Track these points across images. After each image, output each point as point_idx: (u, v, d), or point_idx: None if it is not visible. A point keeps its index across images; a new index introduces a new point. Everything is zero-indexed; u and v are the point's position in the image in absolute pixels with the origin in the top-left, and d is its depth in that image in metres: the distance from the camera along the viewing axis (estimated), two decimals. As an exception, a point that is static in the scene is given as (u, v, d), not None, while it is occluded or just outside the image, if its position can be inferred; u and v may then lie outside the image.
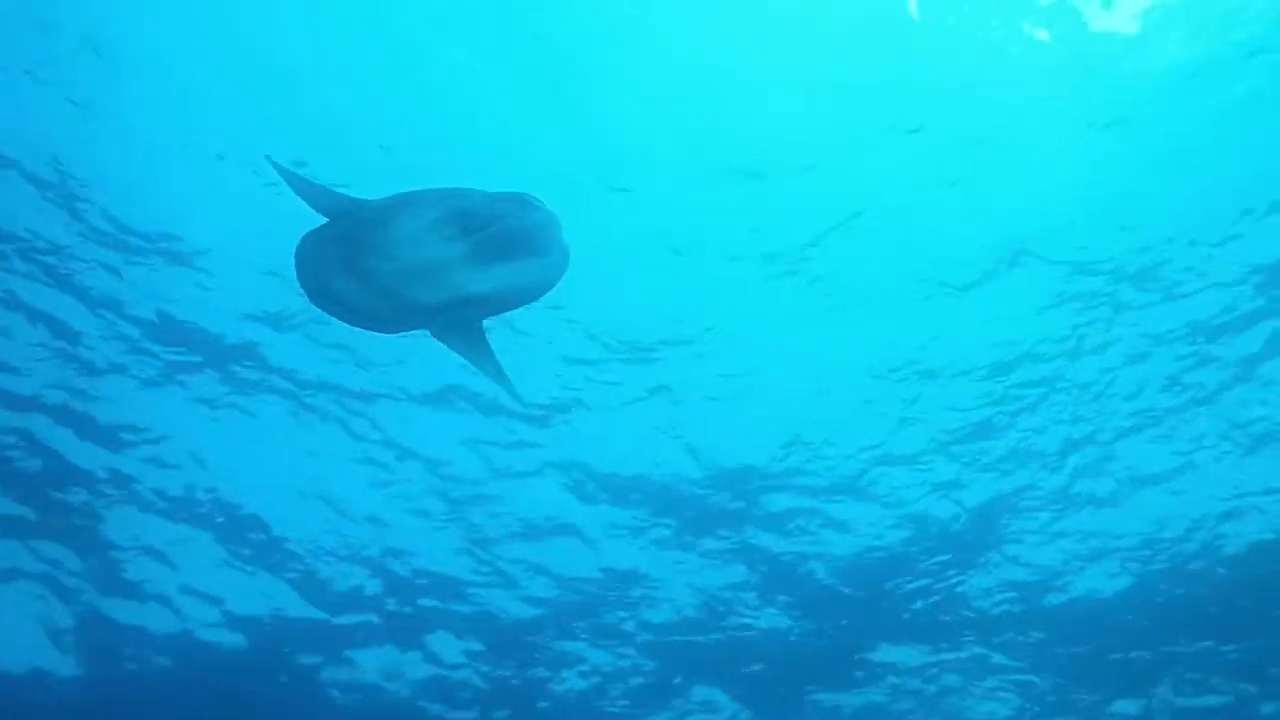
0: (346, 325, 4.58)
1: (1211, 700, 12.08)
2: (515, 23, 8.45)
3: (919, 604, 11.92)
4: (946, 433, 10.77)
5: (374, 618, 11.75)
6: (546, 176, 8.39)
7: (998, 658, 12.24)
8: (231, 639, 11.52)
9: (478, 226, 4.14)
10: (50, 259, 9.27)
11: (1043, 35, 8.47)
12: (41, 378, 9.89)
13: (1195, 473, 10.71)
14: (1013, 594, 11.78)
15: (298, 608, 11.48)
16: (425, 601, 11.67)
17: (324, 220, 4.29)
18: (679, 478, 11.03)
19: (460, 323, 4.43)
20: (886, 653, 12.33)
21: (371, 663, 11.93)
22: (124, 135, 8.72)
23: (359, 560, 11.36)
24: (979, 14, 8.40)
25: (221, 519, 10.91)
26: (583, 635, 11.97)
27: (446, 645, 11.93)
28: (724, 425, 10.80)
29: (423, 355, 9.60)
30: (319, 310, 4.56)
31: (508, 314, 4.64)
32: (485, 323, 4.46)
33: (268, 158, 4.43)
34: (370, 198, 4.24)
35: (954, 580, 11.68)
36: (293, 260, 4.31)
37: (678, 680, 12.36)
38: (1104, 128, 8.98)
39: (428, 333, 4.51)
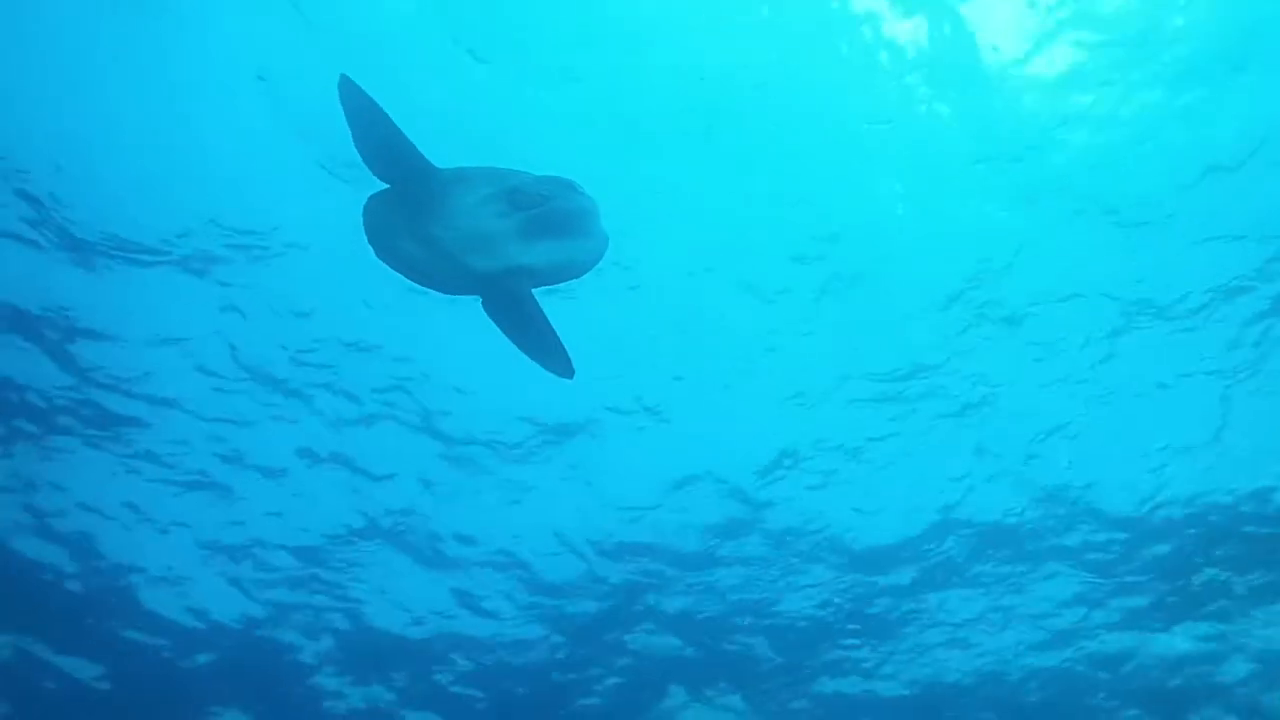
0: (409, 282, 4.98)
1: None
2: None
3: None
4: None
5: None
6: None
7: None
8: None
9: (527, 205, 4.47)
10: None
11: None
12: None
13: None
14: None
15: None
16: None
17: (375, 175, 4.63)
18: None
19: (510, 294, 4.75)
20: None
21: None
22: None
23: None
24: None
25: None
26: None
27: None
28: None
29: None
30: (387, 266, 4.96)
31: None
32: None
33: (344, 76, 4.35)
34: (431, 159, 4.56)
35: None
36: (361, 218, 4.72)
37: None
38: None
39: (479, 301, 4.86)
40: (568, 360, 4.93)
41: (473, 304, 4.94)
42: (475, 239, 4.58)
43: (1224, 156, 8.65)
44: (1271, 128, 8.48)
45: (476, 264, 4.63)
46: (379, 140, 4.46)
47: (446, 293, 5.01)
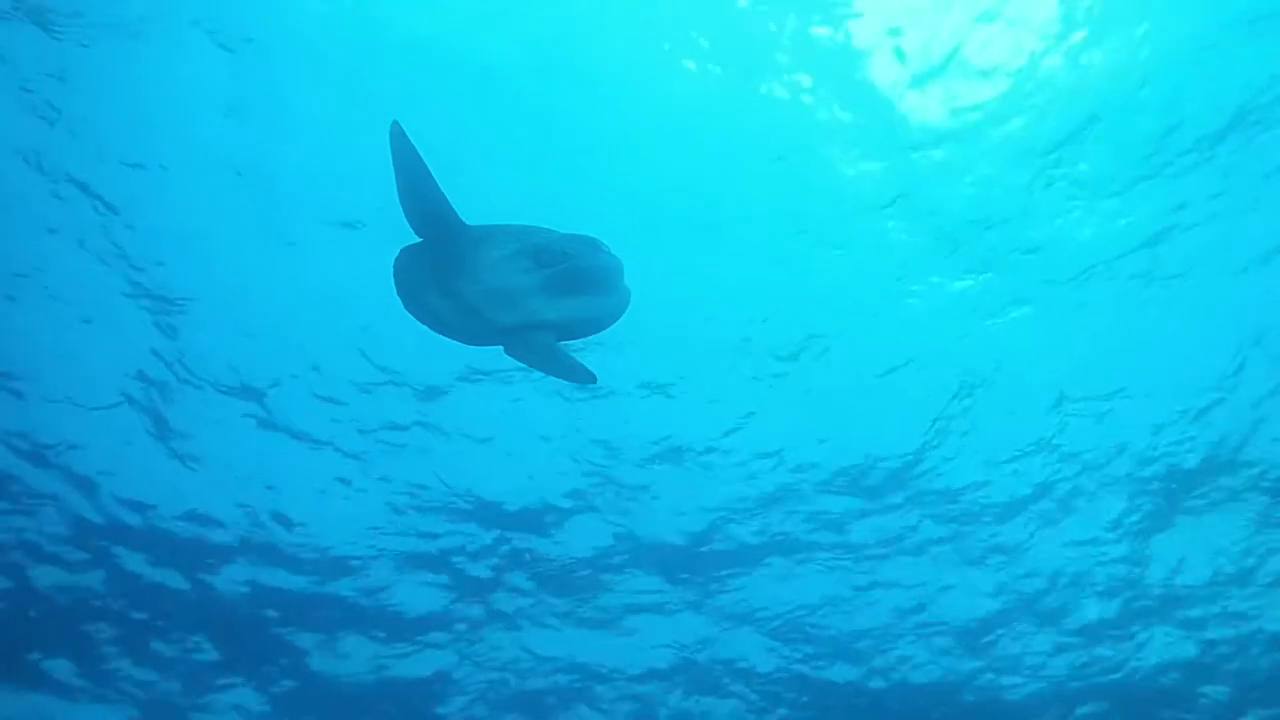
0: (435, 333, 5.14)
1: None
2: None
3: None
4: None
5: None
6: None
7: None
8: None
9: (550, 262, 4.63)
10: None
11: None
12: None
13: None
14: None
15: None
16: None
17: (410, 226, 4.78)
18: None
19: (532, 343, 4.89)
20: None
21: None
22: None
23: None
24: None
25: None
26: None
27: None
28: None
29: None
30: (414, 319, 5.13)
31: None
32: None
33: (396, 123, 4.42)
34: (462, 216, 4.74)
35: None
36: (391, 272, 4.90)
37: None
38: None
39: (502, 349, 5.01)
40: (588, 372, 4.96)
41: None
42: (500, 294, 4.74)
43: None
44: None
45: (500, 318, 4.79)
46: (418, 190, 4.59)
47: (469, 344, 5.16)
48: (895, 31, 8.52)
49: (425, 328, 5.07)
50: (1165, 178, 9.10)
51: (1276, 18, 8.12)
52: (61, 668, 10.81)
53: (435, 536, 11.07)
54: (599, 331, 4.82)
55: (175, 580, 10.79)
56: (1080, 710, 12.16)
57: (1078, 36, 8.37)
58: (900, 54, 8.63)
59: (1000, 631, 11.78)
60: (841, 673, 12.12)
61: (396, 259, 4.89)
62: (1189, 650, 11.61)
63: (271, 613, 11.12)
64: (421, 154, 4.51)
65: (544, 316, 4.73)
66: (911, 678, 12.18)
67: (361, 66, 8.53)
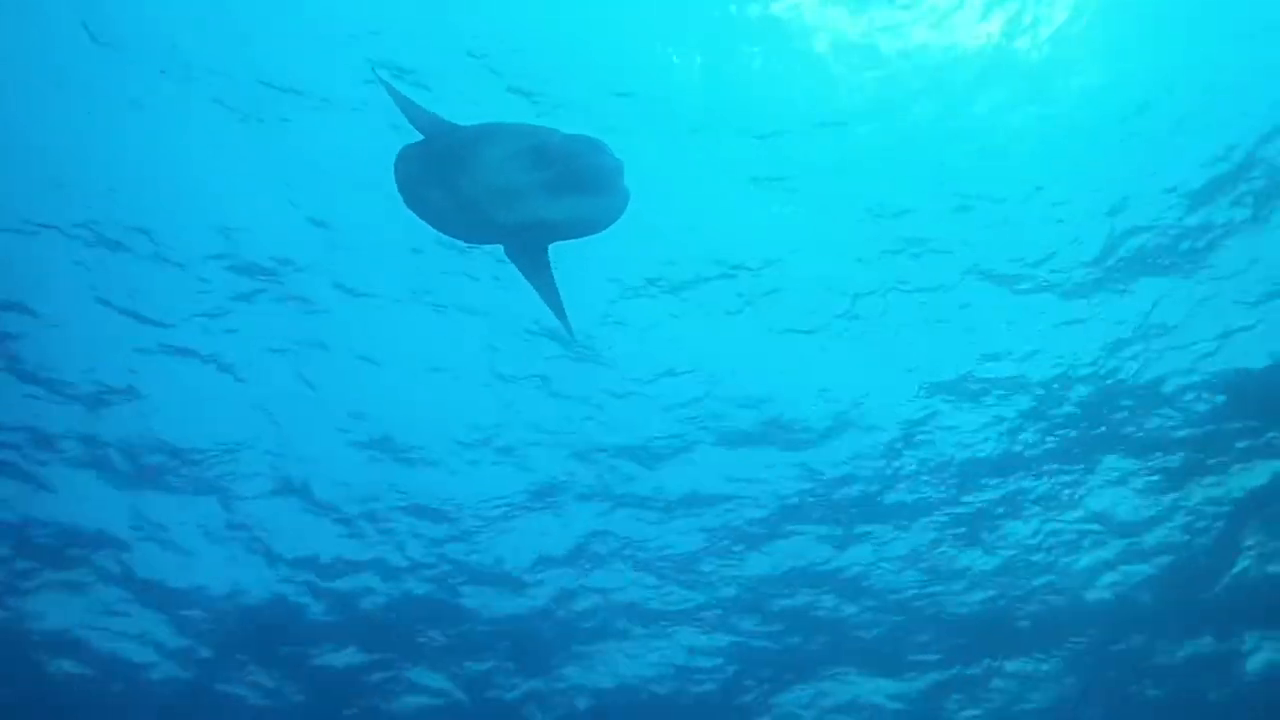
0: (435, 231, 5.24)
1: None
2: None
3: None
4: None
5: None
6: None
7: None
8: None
9: (552, 161, 4.70)
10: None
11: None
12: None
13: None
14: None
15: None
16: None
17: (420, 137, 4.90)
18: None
19: (530, 245, 5.02)
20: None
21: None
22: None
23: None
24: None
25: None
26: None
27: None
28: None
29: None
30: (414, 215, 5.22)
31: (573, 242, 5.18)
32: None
33: (374, 71, 4.84)
34: (463, 123, 4.82)
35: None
36: (392, 168, 4.96)
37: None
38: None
39: (500, 250, 5.13)
40: (569, 329, 5.32)
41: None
42: (500, 192, 4.83)
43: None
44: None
45: (500, 216, 4.90)
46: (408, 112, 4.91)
47: (469, 242, 5.28)
48: None
49: (426, 224, 5.19)
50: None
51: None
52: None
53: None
54: (598, 231, 4.93)
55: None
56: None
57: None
58: None
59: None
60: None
61: (398, 156, 4.96)
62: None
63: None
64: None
65: (544, 215, 4.83)
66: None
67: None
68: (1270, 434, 10.89)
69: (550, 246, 5.11)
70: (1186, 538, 11.75)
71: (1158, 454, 11.10)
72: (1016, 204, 9.76)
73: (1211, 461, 11.11)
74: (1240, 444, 10.97)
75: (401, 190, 5.04)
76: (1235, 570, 11.87)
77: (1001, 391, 10.91)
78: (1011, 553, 12.11)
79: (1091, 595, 12.37)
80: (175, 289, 9.66)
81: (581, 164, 4.71)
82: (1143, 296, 10.20)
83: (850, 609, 12.47)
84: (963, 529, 11.92)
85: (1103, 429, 11.10)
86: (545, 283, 5.18)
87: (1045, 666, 12.86)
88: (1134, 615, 12.43)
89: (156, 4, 8.05)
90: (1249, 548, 11.70)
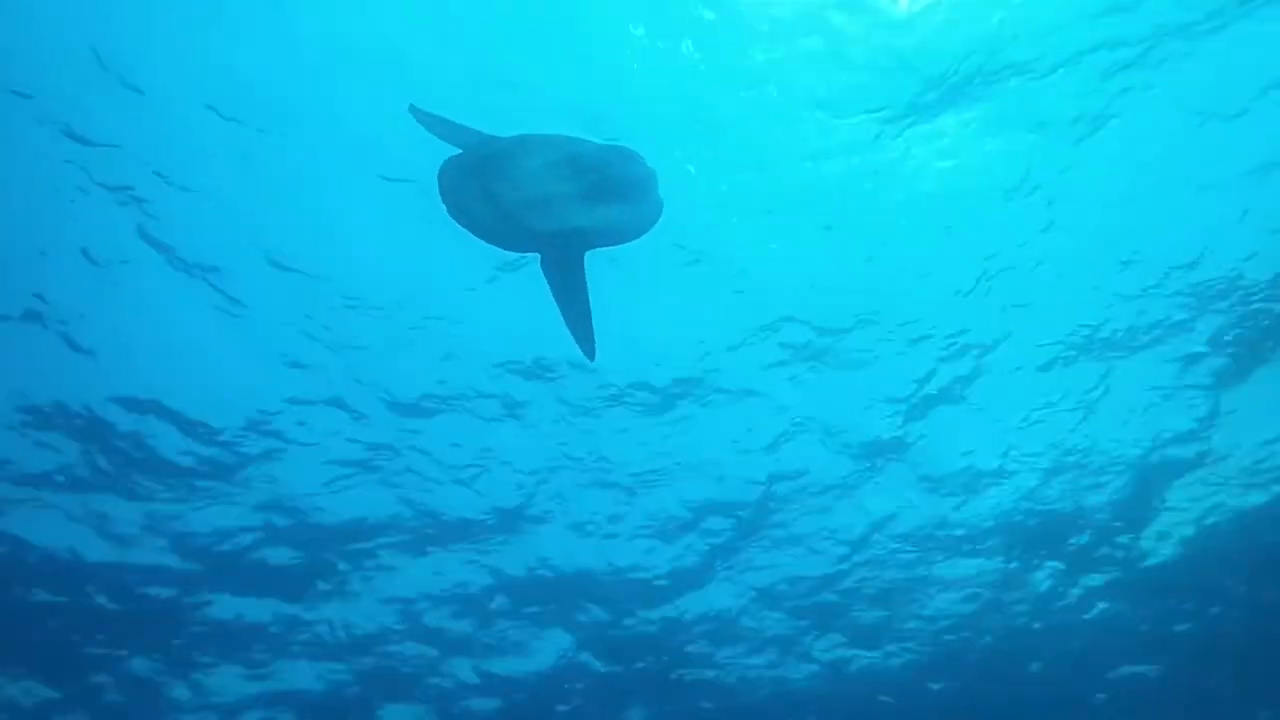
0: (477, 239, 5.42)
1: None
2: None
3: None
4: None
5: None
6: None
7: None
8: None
9: (588, 170, 4.86)
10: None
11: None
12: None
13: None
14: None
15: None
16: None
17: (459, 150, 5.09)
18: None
19: (566, 256, 5.17)
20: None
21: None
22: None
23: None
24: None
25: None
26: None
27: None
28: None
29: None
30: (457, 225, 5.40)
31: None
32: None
33: (412, 106, 5.09)
34: (500, 135, 5.01)
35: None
36: (436, 181, 5.16)
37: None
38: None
39: (538, 259, 5.29)
40: (593, 344, 5.37)
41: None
42: (538, 201, 5.01)
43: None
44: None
45: (537, 224, 5.06)
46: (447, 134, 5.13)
47: (509, 250, 5.44)
48: None
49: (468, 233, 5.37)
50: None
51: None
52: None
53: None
54: (633, 239, 5.07)
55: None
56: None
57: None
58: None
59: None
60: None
61: (441, 169, 5.15)
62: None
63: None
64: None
65: (579, 222, 4.99)
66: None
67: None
68: None
69: (586, 257, 5.27)
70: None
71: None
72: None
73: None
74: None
75: (445, 201, 5.23)
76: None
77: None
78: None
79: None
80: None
81: (615, 173, 4.87)
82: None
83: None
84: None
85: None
86: (576, 298, 5.32)
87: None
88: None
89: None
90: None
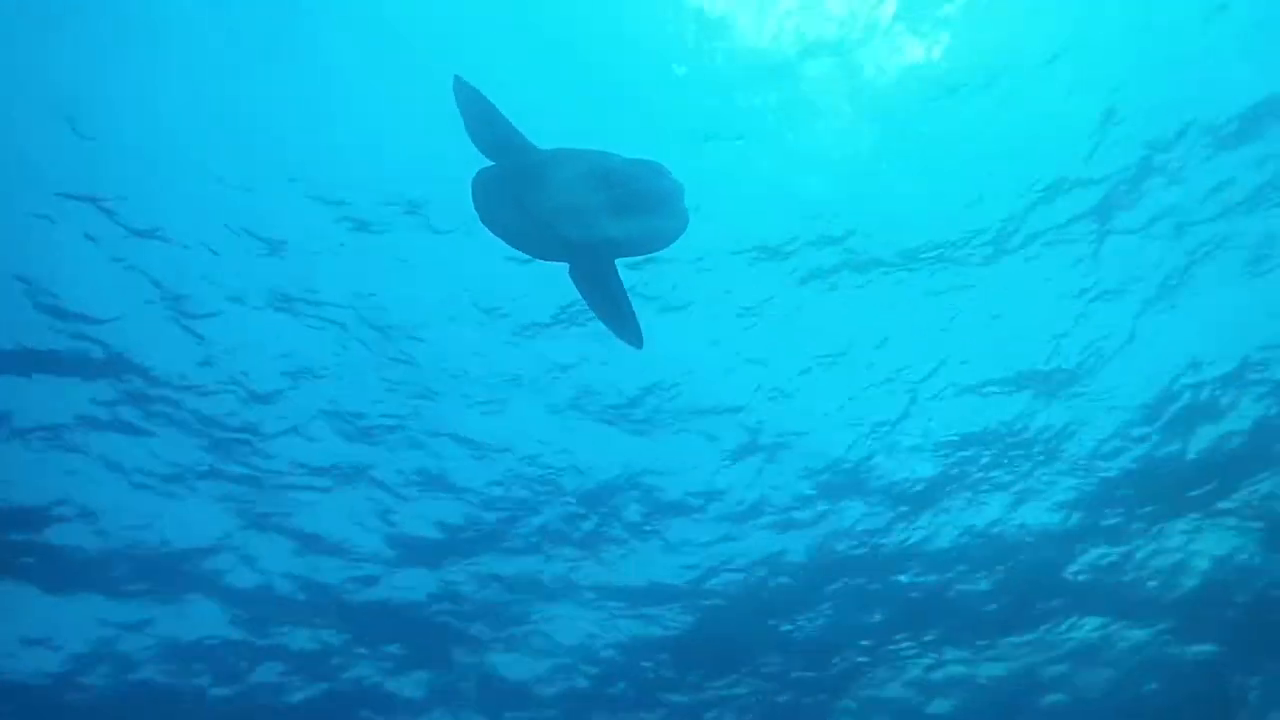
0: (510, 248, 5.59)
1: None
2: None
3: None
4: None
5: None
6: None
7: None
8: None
9: (617, 183, 5.04)
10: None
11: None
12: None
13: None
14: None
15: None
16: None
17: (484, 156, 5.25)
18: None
19: (594, 264, 5.34)
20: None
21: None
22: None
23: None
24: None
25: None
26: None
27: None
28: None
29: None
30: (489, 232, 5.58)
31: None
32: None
33: (457, 78, 5.08)
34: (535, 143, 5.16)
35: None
36: (470, 190, 5.33)
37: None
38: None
39: (567, 269, 5.46)
40: (639, 331, 5.53)
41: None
42: (569, 210, 5.18)
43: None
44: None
45: (568, 233, 5.23)
46: (487, 128, 5.12)
47: (539, 258, 5.61)
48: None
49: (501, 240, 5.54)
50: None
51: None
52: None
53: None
54: (659, 249, 5.23)
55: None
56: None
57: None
58: None
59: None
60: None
61: (475, 179, 5.32)
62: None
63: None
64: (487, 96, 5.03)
65: (609, 232, 5.15)
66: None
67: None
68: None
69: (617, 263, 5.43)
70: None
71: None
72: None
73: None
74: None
75: (478, 209, 5.40)
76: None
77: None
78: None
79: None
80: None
81: (644, 186, 5.03)
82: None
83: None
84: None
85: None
86: (610, 298, 5.49)
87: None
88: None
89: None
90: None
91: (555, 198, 5.19)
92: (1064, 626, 13.10)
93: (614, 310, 5.52)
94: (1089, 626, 13.10)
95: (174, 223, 8.82)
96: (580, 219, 5.18)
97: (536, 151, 5.19)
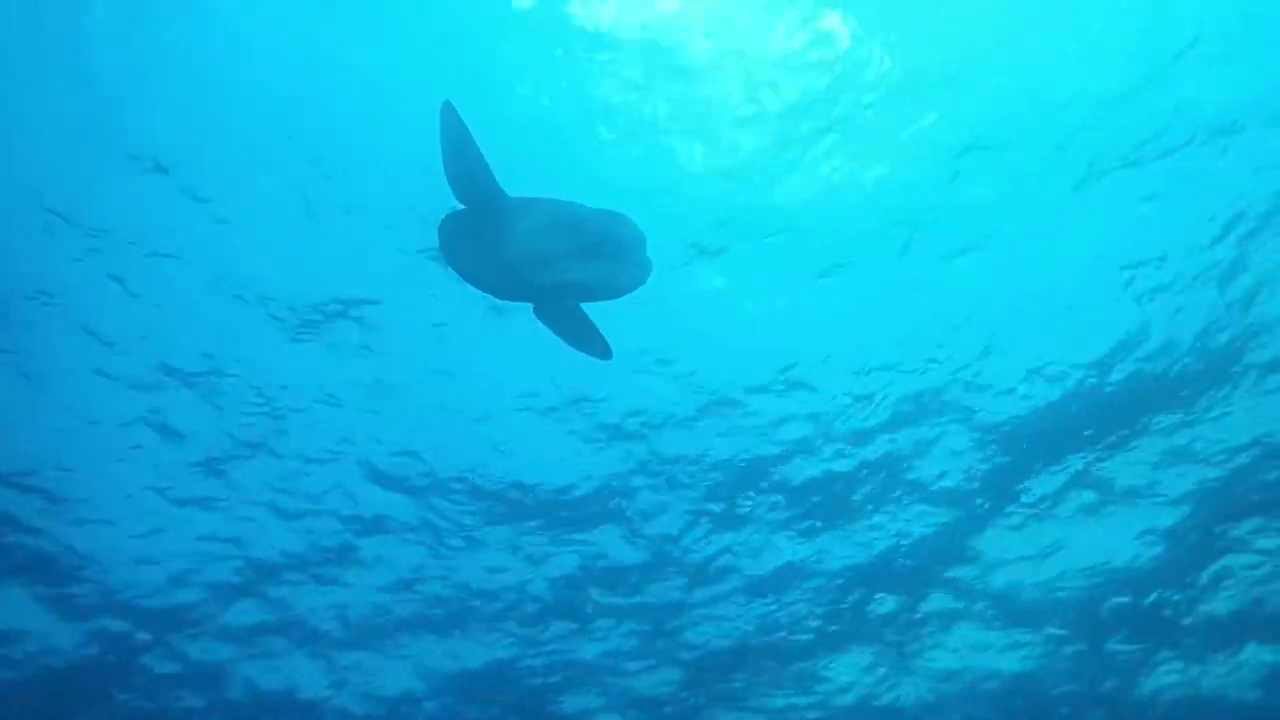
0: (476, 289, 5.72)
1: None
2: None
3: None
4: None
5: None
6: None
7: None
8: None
9: (582, 231, 5.20)
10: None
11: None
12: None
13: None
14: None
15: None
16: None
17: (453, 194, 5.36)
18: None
19: (559, 306, 5.50)
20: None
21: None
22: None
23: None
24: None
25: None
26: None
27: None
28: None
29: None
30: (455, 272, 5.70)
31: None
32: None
33: (447, 102, 5.03)
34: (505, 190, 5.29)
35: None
36: (437, 233, 5.46)
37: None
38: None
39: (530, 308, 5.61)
40: (606, 345, 5.73)
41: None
42: (535, 256, 5.32)
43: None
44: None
45: (533, 277, 5.37)
46: (465, 162, 5.17)
47: (503, 299, 5.74)
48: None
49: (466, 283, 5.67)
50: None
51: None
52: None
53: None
54: (620, 295, 5.38)
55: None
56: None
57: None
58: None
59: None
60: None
61: (442, 221, 5.45)
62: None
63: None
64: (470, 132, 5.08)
65: (572, 277, 5.30)
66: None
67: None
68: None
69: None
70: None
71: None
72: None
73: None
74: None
75: (444, 250, 5.53)
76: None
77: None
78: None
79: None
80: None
81: (608, 234, 5.20)
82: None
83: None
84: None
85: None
86: (573, 326, 5.68)
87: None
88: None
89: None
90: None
91: (521, 244, 5.33)
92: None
93: (580, 333, 5.68)
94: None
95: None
96: (545, 265, 5.32)
97: (505, 197, 5.32)
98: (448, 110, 5.07)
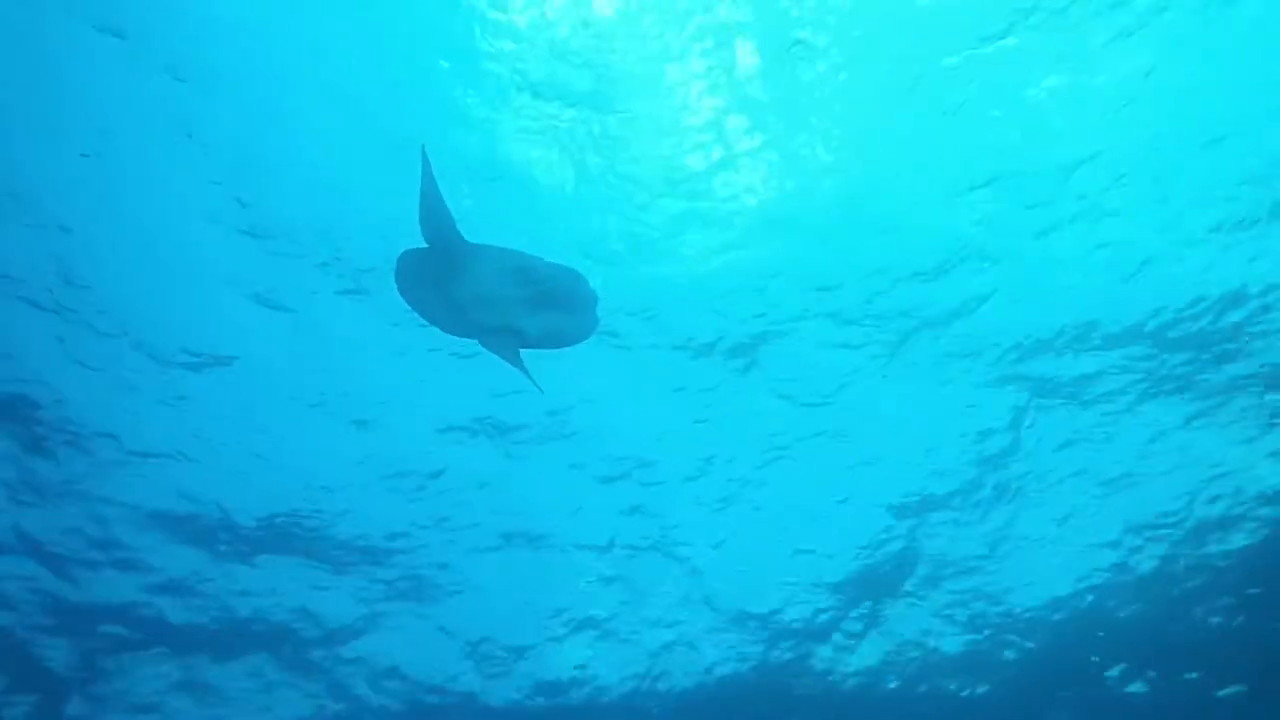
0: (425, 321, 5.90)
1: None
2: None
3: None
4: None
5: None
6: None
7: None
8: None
9: (536, 281, 5.46)
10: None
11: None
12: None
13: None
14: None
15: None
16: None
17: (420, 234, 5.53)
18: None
19: (505, 342, 5.73)
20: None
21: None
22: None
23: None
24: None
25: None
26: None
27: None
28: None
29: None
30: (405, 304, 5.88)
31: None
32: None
33: (424, 148, 5.23)
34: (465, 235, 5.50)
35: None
36: (394, 267, 5.62)
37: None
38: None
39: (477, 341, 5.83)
40: (537, 387, 5.92)
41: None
42: (487, 301, 5.58)
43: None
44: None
45: (482, 319, 5.61)
46: (435, 205, 5.39)
47: (450, 334, 5.95)
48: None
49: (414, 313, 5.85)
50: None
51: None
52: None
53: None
54: (566, 346, 5.67)
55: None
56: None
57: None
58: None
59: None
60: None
61: (400, 257, 5.62)
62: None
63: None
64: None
65: (520, 324, 5.57)
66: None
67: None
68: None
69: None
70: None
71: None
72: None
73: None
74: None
75: (399, 283, 5.71)
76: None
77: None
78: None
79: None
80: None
81: (561, 287, 5.48)
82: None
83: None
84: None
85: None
86: (515, 360, 5.88)
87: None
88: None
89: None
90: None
91: (476, 287, 5.56)
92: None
93: (521, 369, 5.90)
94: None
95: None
96: (496, 309, 5.57)
97: (464, 242, 5.53)
98: (426, 159, 5.32)
